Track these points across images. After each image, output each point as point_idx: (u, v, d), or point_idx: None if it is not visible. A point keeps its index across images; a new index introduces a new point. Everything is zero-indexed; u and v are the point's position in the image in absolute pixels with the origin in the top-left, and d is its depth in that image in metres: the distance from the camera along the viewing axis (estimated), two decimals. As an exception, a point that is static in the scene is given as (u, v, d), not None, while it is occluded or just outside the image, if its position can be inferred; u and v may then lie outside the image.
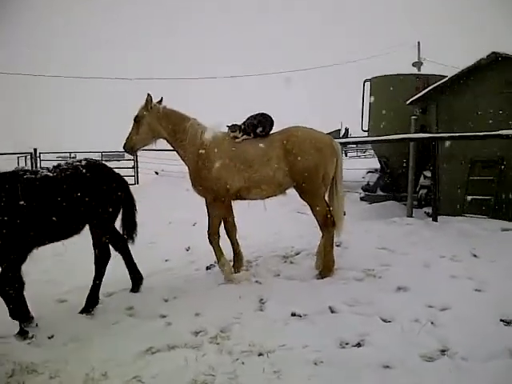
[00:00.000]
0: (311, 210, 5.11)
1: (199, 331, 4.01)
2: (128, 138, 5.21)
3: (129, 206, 5.13)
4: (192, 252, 7.04)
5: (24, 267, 4.26)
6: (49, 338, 4.11)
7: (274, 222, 8.15)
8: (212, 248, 5.25)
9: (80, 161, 4.74)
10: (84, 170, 4.57)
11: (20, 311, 4.22)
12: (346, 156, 30.10)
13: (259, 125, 5.14)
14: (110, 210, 4.79)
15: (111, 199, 4.77)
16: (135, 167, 17.23)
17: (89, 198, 4.50)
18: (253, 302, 4.55)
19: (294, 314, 4.17)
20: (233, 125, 5.24)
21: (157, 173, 16.68)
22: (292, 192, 5.31)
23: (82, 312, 4.60)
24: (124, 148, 5.27)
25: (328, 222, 5.03)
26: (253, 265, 5.78)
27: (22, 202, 4.02)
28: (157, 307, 4.66)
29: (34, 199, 4.15)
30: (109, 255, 4.90)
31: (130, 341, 3.89)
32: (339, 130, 24.33)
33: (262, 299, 4.59)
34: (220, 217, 5.22)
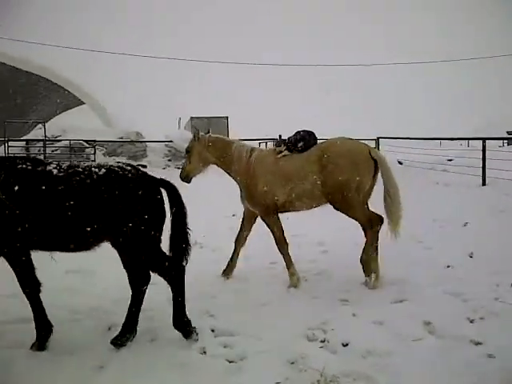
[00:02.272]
0: (355, 219, 5.23)
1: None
2: (182, 168, 5.84)
3: (177, 221, 4.08)
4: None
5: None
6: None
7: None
8: (283, 257, 5.45)
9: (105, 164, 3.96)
10: (97, 172, 3.75)
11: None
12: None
13: (301, 140, 5.43)
14: (138, 225, 3.75)
15: (137, 211, 3.74)
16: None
17: (99, 207, 3.65)
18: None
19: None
20: (279, 141, 5.76)
21: (400, 163, 16.33)
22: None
23: (112, 343, 3.86)
24: (180, 178, 5.72)
25: (372, 224, 5.13)
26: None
27: None
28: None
29: (16, 192, 3.53)
30: (147, 278, 4.08)
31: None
32: None
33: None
34: (279, 226, 5.43)
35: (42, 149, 18.03)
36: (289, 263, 5.37)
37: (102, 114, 28.94)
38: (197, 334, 3.95)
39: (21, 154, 19.04)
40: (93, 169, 3.80)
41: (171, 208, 4.04)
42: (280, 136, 6.58)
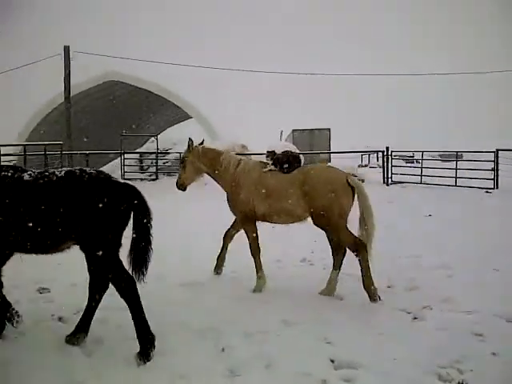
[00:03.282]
0: (339, 242, 5.49)
1: None
2: (178, 177, 6.21)
3: (139, 231, 3.88)
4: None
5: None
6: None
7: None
8: (254, 261, 5.77)
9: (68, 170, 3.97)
10: (62, 178, 3.79)
11: None
12: None
13: (287, 162, 5.69)
14: (98, 229, 3.72)
15: (95, 214, 3.68)
16: (495, 169, 15.74)
17: (62, 211, 3.67)
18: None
19: None
20: (271, 151, 6.29)
21: None
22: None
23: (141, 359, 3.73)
24: (176, 186, 6.20)
25: (359, 247, 5.26)
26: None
27: None
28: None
29: None
30: (104, 286, 4.01)
31: None
32: None
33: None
34: (254, 234, 5.81)
35: (155, 161, 18.99)
36: (258, 267, 5.74)
37: (207, 127, 29.96)
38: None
39: (135, 165, 20.26)
40: (56, 173, 3.86)
41: (134, 213, 3.87)
42: (273, 151, 6.46)
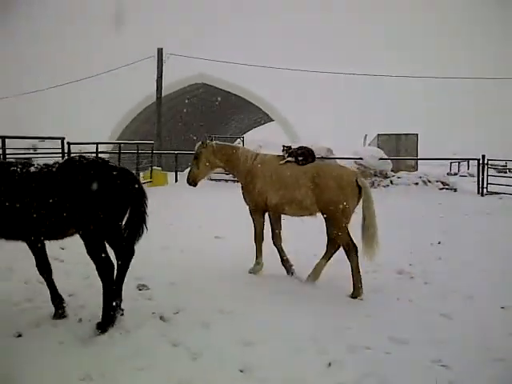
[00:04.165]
0: (335, 237, 5.72)
1: None
2: (190, 173, 6.44)
3: (135, 210, 4.22)
4: None
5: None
6: None
7: None
8: (255, 247, 6.15)
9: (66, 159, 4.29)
10: (63, 166, 4.06)
11: None
12: None
13: (302, 155, 6.05)
14: (97, 212, 3.94)
15: (97, 204, 3.92)
16: None
17: (59, 200, 3.91)
18: None
19: None
20: (287, 146, 6.35)
21: None
22: None
23: (98, 329, 4.06)
24: (187, 182, 6.44)
25: (350, 249, 5.60)
26: None
27: None
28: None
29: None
30: (110, 266, 4.17)
31: None
32: None
33: None
34: (261, 225, 6.16)
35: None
36: (258, 254, 6.13)
37: (288, 129, 29.89)
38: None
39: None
40: (58, 162, 4.15)
41: (131, 197, 4.14)
42: (289, 146, 6.42)
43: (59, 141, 10.37)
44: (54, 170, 4.06)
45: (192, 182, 6.41)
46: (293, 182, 5.85)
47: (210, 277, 5.84)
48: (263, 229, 6.19)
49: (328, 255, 5.88)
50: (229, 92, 29.63)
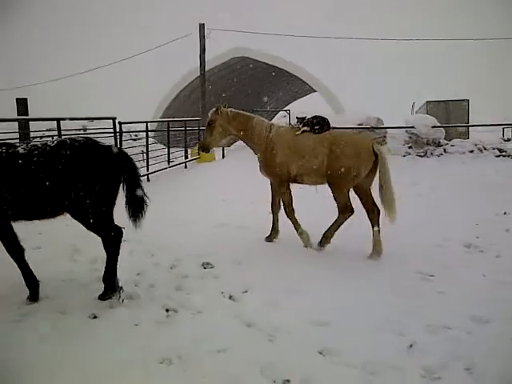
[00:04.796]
0: (334, 198, 5.85)
1: None
2: (203, 140, 6.49)
3: (130, 186, 4.35)
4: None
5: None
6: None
7: None
8: (291, 222, 6.13)
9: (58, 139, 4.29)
10: (54, 147, 4.07)
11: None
12: None
13: (317, 124, 6.03)
14: (91, 192, 4.05)
15: (88, 185, 4.04)
16: None
17: (51, 181, 3.97)
18: None
19: None
20: (301, 117, 6.34)
21: None
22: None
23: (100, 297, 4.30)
24: (200, 148, 6.51)
25: (346, 211, 5.76)
26: None
27: None
28: None
29: None
30: (119, 234, 4.32)
31: None
32: None
33: None
34: (289, 195, 6.14)
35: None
36: (296, 225, 6.10)
37: (331, 100, 29.23)
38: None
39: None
40: (48, 143, 4.14)
41: (124, 174, 4.28)
42: (304, 117, 6.34)
43: (110, 121, 10.49)
44: (46, 150, 4.08)
45: (205, 148, 6.33)
46: (311, 150, 5.87)
47: (272, 254, 5.77)
48: (292, 199, 6.16)
49: (375, 222, 5.88)
50: (269, 64, 29.12)
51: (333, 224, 5.85)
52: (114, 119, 10.44)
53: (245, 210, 8.22)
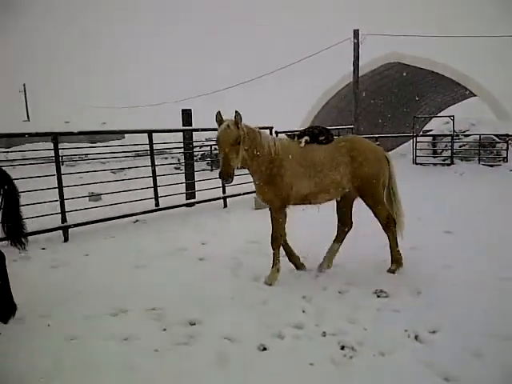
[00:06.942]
0: (373, 212, 5.40)
1: None
2: (226, 165, 4.59)
3: (8, 203, 4.24)
4: None
5: None
6: None
7: None
8: (273, 254, 5.27)
9: None
10: None
11: None
12: None
13: (321, 134, 5.42)
14: None
15: None
16: None
17: None
18: None
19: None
20: (294, 134, 5.57)
21: None
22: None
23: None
24: (222, 176, 4.59)
25: (390, 223, 5.40)
26: None
27: None
28: None
29: None
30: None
31: None
32: None
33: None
34: (284, 220, 5.27)
35: (449, 144, 17.05)
36: (277, 260, 5.24)
37: (494, 105, 26.36)
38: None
39: (427, 148, 18.89)
40: None
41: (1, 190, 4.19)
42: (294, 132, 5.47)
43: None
44: None
45: (229, 176, 4.62)
46: (328, 162, 5.20)
47: (455, 284, 4.99)
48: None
49: (340, 238, 5.66)
50: (423, 68, 27.27)
51: (390, 245, 5.47)
52: (270, 128, 10.54)
53: (416, 229, 7.43)
